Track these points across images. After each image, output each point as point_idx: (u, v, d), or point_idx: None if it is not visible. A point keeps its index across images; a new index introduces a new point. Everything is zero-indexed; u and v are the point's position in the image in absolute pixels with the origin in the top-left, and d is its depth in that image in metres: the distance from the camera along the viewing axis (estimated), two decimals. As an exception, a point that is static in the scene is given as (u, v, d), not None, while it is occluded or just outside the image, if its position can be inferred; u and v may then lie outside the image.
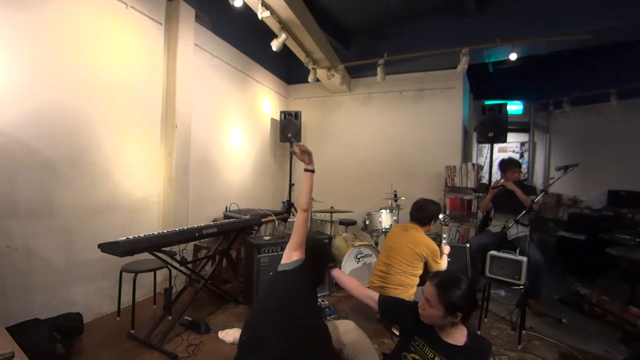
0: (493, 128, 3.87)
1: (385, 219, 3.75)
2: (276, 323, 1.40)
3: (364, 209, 4.13)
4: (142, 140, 2.90)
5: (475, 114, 5.59)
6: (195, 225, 2.45)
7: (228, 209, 3.58)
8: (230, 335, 2.09)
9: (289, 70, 5.42)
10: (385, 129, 4.96)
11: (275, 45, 3.35)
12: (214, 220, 3.35)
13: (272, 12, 3.09)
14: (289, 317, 1.41)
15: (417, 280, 2.54)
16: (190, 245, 3.16)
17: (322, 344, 1.46)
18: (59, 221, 2.27)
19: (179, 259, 2.29)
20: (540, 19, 3.75)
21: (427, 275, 2.52)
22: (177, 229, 2.29)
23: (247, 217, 3.15)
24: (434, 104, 4.68)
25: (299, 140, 4.72)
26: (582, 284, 3.32)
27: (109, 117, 2.59)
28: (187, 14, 3.16)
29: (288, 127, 4.62)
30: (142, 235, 2.01)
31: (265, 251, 2.76)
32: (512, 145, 6.07)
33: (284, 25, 3.32)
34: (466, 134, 5.10)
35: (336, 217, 4.01)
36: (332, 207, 3.90)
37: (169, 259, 2.26)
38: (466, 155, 5.12)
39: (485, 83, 5.77)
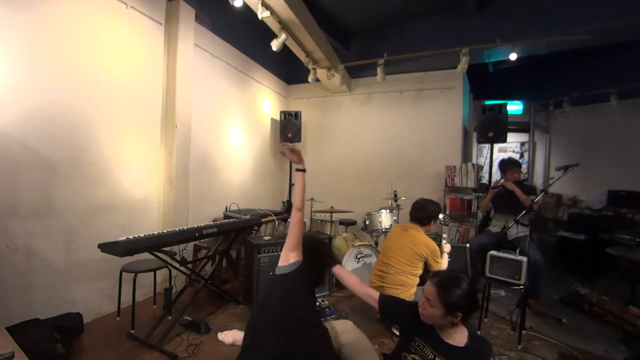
0: (493, 128, 3.87)
1: (385, 219, 3.75)
2: (276, 324, 1.41)
3: (364, 209, 4.13)
4: (142, 140, 2.90)
5: (475, 114, 5.59)
6: (195, 225, 2.45)
7: (228, 209, 3.59)
8: (230, 336, 2.09)
9: (289, 70, 5.42)
10: (385, 129, 4.96)
11: (275, 45, 3.35)
12: (214, 220, 3.35)
13: (272, 12, 3.09)
14: (289, 318, 1.42)
15: (417, 280, 2.54)
16: (190, 245, 3.16)
17: (322, 345, 1.46)
18: (59, 221, 2.27)
19: (179, 259, 2.29)
20: (540, 19, 3.75)
21: (427, 275, 2.53)
22: (177, 229, 2.29)
23: (247, 217, 3.15)
24: (434, 104, 4.68)
25: (299, 141, 4.72)
26: (582, 284, 3.32)
27: (109, 117, 2.59)
28: (187, 14, 3.16)
29: (288, 127, 4.62)
30: (142, 235, 2.01)
31: (265, 251, 2.76)
32: (512, 145, 6.07)
33: (284, 25, 3.32)
34: (466, 134, 5.10)
35: (336, 217, 4.01)
36: (332, 207, 3.90)
37: (169, 259, 2.26)
38: (466, 155, 5.12)
39: (485, 83, 5.77)
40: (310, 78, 4.24)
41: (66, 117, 2.29)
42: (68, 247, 2.33)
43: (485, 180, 4.20)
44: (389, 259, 2.56)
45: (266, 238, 2.94)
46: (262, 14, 2.98)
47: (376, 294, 1.70)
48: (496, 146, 4.25)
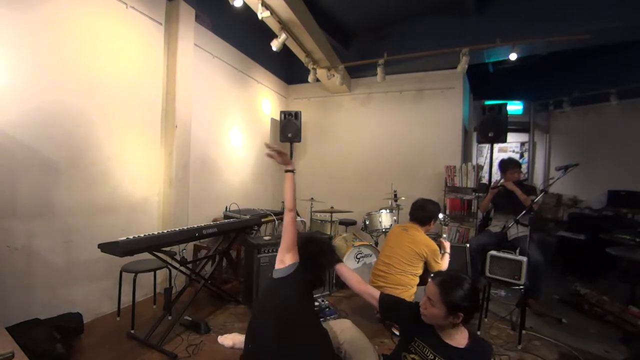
0: (493, 128, 3.87)
1: (385, 219, 3.75)
2: (274, 330, 1.41)
3: (364, 209, 4.13)
4: (142, 141, 2.90)
5: (475, 114, 5.59)
6: (195, 225, 2.45)
7: (228, 209, 3.59)
8: (230, 339, 2.10)
9: (289, 70, 5.42)
10: (385, 129, 4.96)
11: (275, 45, 3.35)
12: (214, 220, 3.35)
13: (272, 12, 3.09)
14: (286, 324, 1.41)
15: (417, 280, 2.54)
16: (190, 245, 3.16)
17: (321, 348, 1.46)
18: (59, 221, 2.27)
19: (179, 259, 2.29)
20: (540, 19, 3.75)
21: (427, 275, 2.53)
22: (177, 229, 2.29)
23: (247, 217, 3.15)
24: (434, 104, 4.68)
25: (299, 141, 4.73)
26: (582, 284, 3.32)
27: (109, 117, 2.59)
28: (187, 14, 3.16)
29: (288, 127, 4.62)
30: (142, 235, 2.01)
31: (265, 251, 2.76)
32: (512, 145, 6.07)
33: (284, 25, 3.32)
34: (466, 134, 5.10)
35: (336, 217, 4.01)
36: (332, 207, 3.89)
37: (169, 259, 2.26)
38: (466, 155, 5.12)
39: (485, 83, 5.77)
40: (310, 78, 4.24)
41: (66, 117, 2.29)
42: (68, 247, 2.33)
43: (485, 180, 4.20)
44: (389, 259, 2.56)
45: (266, 238, 2.94)
46: (262, 14, 2.98)
47: (377, 293, 1.69)
48: (496, 146, 4.25)
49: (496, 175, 3.89)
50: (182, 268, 2.42)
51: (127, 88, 2.72)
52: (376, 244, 3.74)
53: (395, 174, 4.65)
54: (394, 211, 3.90)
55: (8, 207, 2.00)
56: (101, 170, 2.55)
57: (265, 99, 4.96)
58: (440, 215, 2.69)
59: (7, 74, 1.97)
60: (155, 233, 2.13)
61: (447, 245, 2.67)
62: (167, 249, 2.14)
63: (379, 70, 4.06)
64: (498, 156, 4.26)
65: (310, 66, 4.15)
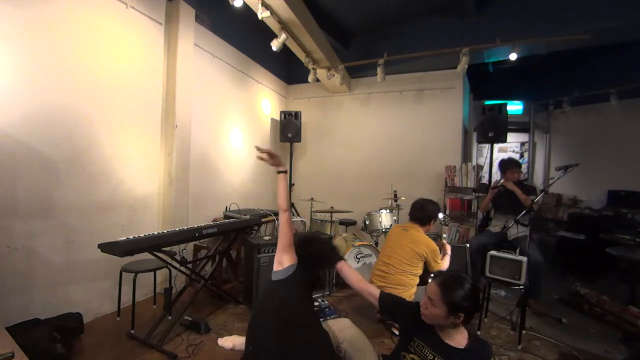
0: (493, 128, 3.87)
1: (385, 219, 3.75)
2: (273, 332, 1.41)
3: (364, 209, 4.12)
4: (142, 140, 2.90)
5: (475, 114, 5.59)
6: (195, 225, 2.45)
7: (228, 209, 3.59)
8: (230, 341, 2.11)
9: (289, 70, 5.42)
10: (385, 129, 4.96)
11: (275, 45, 3.35)
12: (214, 220, 3.35)
13: (272, 12, 3.09)
14: (286, 327, 1.41)
15: (417, 280, 2.54)
16: (190, 245, 3.16)
17: (322, 348, 1.46)
18: (59, 221, 2.27)
19: (179, 259, 2.29)
20: (540, 19, 3.75)
21: (427, 275, 2.53)
22: (177, 229, 2.29)
23: (247, 217, 3.15)
24: (434, 104, 4.68)
25: (299, 141, 4.73)
26: (582, 284, 3.32)
27: (109, 117, 2.59)
28: (187, 14, 3.16)
29: (288, 127, 4.62)
30: (142, 235, 2.01)
31: (265, 251, 2.76)
32: (512, 145, 6.07)
33: (284, 25, 3.32)
34: (466, 134, 5.10)
35: (336, 217, 4.01)
36: (332, 207, 3.90)
37: (169, 259, 2.26)
38: (466, 155, 5.12)
39: (485, 83, 5.77)
40: (310, 78, 4.24)
41: (66, 117, 2.29)
42: (68, 247, 2.33)
43: (485, 180, 4.20)
44: (389, 259, 2.56)
45: (266, 238, 2.94)
46: (262, 14, 2.98)
47: (377, 292, 1.69)
48: (496, 146, 4.25)
49: (496, 175, 3.89)
50: (182, 268, 2.42)
51: (127, 88, 2.72)
52: (376, 244, 3.74)
53: (395, 174, 4.65)
54: (394, 211, 3.90)
55: (8, 206, 2.00)
56: (101, 170, 2.55)
57: (265, 99, 4.96)
58: (440, 215, 2.69)
59: (7, 74, 1.97)
60: (155, 233, 2.13)
61: (449, 248, 2.67)
62: (167, 249, 2.14)
63: (379, 70, 4.06)
64: (498, 156, 4.26)
65: (310, 66, 4.15)
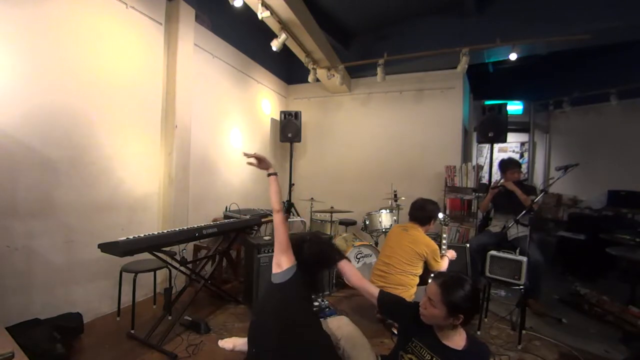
0: (493, 128, 3.88)
1: (385, 219, 3.75)
2: (274, 329, 1.42)
3: (364, 209, 4.13)
4: (142, 140, 2.90)
5: (475, 114, 5.59)
6: (195, 225, 2.45)
7: (228, 209, 3.59)
8: (230, 342, 2.11)
9: (289, 70, 5.42)
10: (385, 129, 4.96)
11: (275, 45, 3.35)
12: (214, 220, 3.35)
13: (272, 12, 3.09)
14: (286, 330, 1.41)
15: (417, 280, 2.54)
16: (190, 245, 3.16)
17: (322, 348, 1.46)
18: (59, 221, 2.27)
19: (179, 259, 2.29)
20: (540, 19, 3.75)
21: (427, 275, 2.53)
22: (177, 229, 2.29)
23: (247, 217, 3.15)
24: (434, 104, 4.68)
25: (299, 141, 4.74)
26: (582, 284, 3.32)
27: (109, 117, 2.59)
28: (187, 14, 3.16)
29: (288, 127, 4.62)
30: (142, 235, 2.01)
31: (265, 251, 2.76)
32: (512, 145, 6.07)
33: (284, 25, 3.32)
34: (466, 134, 5.10)
35: (336, 217, 4.01)
36: (332, 207, 3.90)
37: (169, 259, 2.26)
38: (466, 155, 5.12)
39: (485, 83, 5.77)
40: (310, 78, 4.24)
41: (66, 117, 2.29)
42: (68, 247, 2.33)
43: (485, 180, 4.20)
44: (389, 259, 2.56)
45: (266, 238, 2.94)
46: (262, 14, 2.98)
47: (376, 291, 1.69)
48: (496, 146, 4.25)
49: (496, 175, 3.89)
50: (182, 268, 2.42)
51: (127, 88, 2.72)
52: (376, 244, 3.74)
53: (395, 174, 4.65)
54: (394, 211, 3.90)
55: (8, 206, 2.00)
56: (101, 170, 2.55)
57: (265, 99, 4.96)
58: (440, 215, 2.69)
59: (7, 74, 1.97)
60: (155, 233, 2.13)
61: (451, 253, 2.66)
62: (167, 249, 2.14)
63: (379, 70, 4.06)
64: (498, 156, 4.26)
65: (310, 66, 4.15)
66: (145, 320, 2.47)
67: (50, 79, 2.19)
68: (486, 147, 5.21)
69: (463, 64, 3.64)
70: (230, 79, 4.09)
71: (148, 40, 2.90)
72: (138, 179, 2.86)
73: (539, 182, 5.86)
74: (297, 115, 4.66)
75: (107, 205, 2.60)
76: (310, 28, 3.55)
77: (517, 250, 2.48)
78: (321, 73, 4.37)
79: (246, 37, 4.23)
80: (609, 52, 4.81)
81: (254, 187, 4.64)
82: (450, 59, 3.92)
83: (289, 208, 4.58)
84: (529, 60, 4.66)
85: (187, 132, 3.21)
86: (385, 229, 3.68)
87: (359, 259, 3.35)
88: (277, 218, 1.61)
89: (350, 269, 1.85)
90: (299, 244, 1.61)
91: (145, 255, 2.12)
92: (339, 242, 3.59)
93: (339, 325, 1.69)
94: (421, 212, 2.62)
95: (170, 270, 2.57)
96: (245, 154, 1.75)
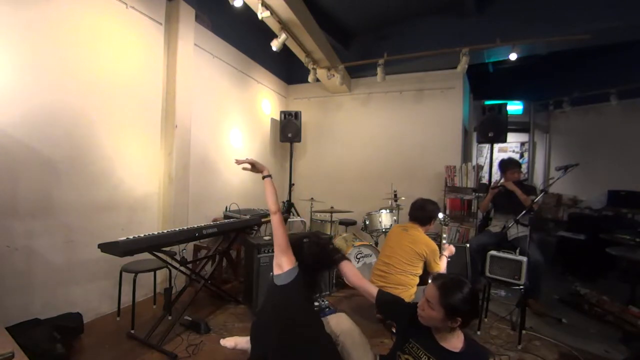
0: (493, 128, 3.88)
1: (385, 219, 3.75)
2: (274, 329, 1.42)
3: (364, 209, 4.13)
4: (142, 140, 2.90)
5: (475, 114, 5.59)
6: (195, 225, 2.45)
7: (228, 209, 3.59)
8: (232, 340, 2.11)
9: (289, 70, 5.42)
10: (385, 129, 4.96)
11: (275, 45, 3.35)
12: (214, 220, 3.35)
13: (272, 12, 3.09)
14: (287, 322, 1.42)
15: (417, 280, 2.53)
16: (190, 245, 3.16)
17: (322, 348, 1.46)
18: (59, 221, 2.27)
19: (179, 259, 2.29)
20: (540, 19, 3.75)
21: (427, 275, 2.53)
22: (177, 229, 2.29)
23: (247, 217, 3.15)
24: (434, 104, 4.68)
25: (299, 141, 4.74)
26: (582, 284, 3.32)
27: (109, 117, 2.59)
28: (187, 14, 3.16)
29: (288, 127, 4.63)
30: (142, 235, 2.01)
31: (265, 251, 2.76)
32: (512, 145, 6.07)
33: (284, 25, 3.32)
34: (466, 134, 5.10)
35: (336, 217, 4.01)
36: (332, 207, 3.90)
37: (169, 259, 2.26)
38: (466, 155, 5.12)
39: (485, 83, 5.77)
40: (310, 78, 4.24)
41: (66, 117, 2.29)
42: (68, 246, 2.33)
43: (485, 180, 4.20)
44: (389, 259, 2.56)
45: (266, 238, 2.94)
46: (262, 14, 2.98)
47: (375, 291, 1.69)
48: (496, 146, 4.25)
49: (496, 175, 3.89)
50: (182, 268, 2.42)
51: (127, 88, 2.72)
52: (376, 244, 3.74)
53: (395, 174, 4.65)
54: (394, 211, 3.90)
55: (8, 206, 2.00)
56: (101, 169, 2.55)
57: (265, 99, 4.96)
58: (440, 215, 2.69)
59: (7, 74, 1.97)
60: (155, 233, 2.13)
61: (447, 250, 2.65)
62: (167, 249, 2.14)
63: (379, 70, 4.06)
64: (498, 156, 4.26)
65: (310, 66, 4.15)
66: (145, 320, 2.47)
67: (50, 79, 2.19)
68: (486, 147, 5.21)
69: (463, 64, 3.64)
70: (230, 79, 4.09)
71: (148, 40, 2.90)
72: (138, 179, 2.86)
73: (539, 182, 5.86)
74: (297, 115, 4.66)
75: (107, 205, 2.60)
76: (310, 28, 3.55)
77: (517, 250, 2.48)
78: (321, 73, 4.37)
79: (246, 37, 4.23)
80: (609, 52, 4.81)
81: (254, 187, 4.63)
82: (450, 59, 3.92)
83: (288, 208, 4.58)
84: (529, 60, 4.66)
85: (187, 132, 3.21)
86: (385, 229, 3.68)
87: (359, 259, 3.35)
88: (275, 219, 1.62)
89: (350, 269, 1.84)
90: (299, 245, 1.62)
91: (145, 255, 2.12)
92: (339, 242, 3.59)
93: (338, 322, 1.70)
94: (421, 212, 2.61)
95: (170, 270, 2.57)
96: (237, 161, 1.79)
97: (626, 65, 4.78)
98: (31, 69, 2.08)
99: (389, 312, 1.74)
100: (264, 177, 1.76)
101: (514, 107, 5.86)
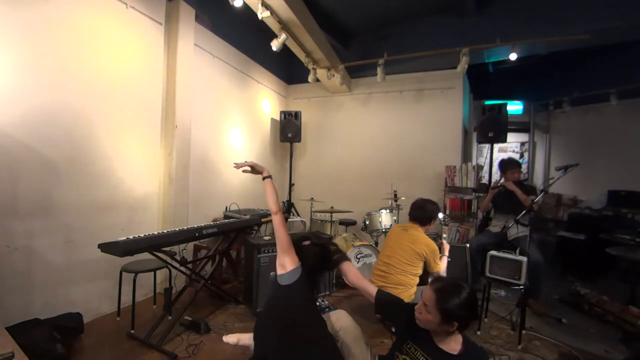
0: (493, 128, 3.88)
1: (385, 219, 3.75)
2: (275, 329, 1.42)
3: (364, 209, 4.13)
4: (142, 140, 2.90)
5: (475, 114, 5.59)
6: (195, 225, 2.45)
7: (228, 209, 3.59)
8: (234, 337, 2.11)
9: (289, 70, 5.42)
10: (385, 129, 4.96)
11: (275, 45, 3.35)
12: (214, 220, 3.35)
13: (272, 12, 3.09)
14: (288, 322, 1.42)
15: (417, 280, 2.53)
16: (190, 245, 3.16)
17: (322, 348, 1.46)
18: (59, 221, 2.27)
19: (179, 259, 2.28)
20: (540, 19, 3.75)
21: (427, 275, 2.53)
22: (177, 229, 2.29)
23: (247, 217, 3.15)
24: (434, 104, 4.68)
25: (299, 141, 4.74)
26: (582, 284, 3.32)
27: (109, 117, 2.59)
28: (187, 14, 3.16)
29: (288, 127, 4.63)
30: (142, 235, 2.01)
31: (265, 251, 2.76)
32: (512, 145, 6.08)
33: (284, 25, 3.32)
34: (466, 134, 5.10)
35: (336, 217, 4.01)
36: (332, 207, 3.90)
37: (169, 259, 2.26)
38: (466, 155, 5.12)
39: (485, 83, 5.77)
40: (310, 78, 4.24)
41: (66, 117, 2.29)
42: (68, 246, 2.33)
43: (485, 180, 4.20)
44: (389, 259, 2.56)
45: (266, 238, 2.94)
46: (262, 14, 2.98)
47: (374, 290, 1.69)
48: (496, 146, 4.25)
49: (496, 175, 3.89)
50: (182, 268, 2.42)
51: (127, 88, 2.72)
52: (376, 244, 3.74)
53: (395, 174, 4.65)
54: (394, 211, 3.90)
55: (8, 206, 2.00)
56: (101, 169, 2.55)
57: (265, 99, 4.96)
58: (440, 215, 2.69)
59: (7, 74, 1.97)
60: (155, 233, 2.13)
61: (447, 248, 2.66)
62: (167, 249, 2.14)
63: (379, 70, 4.06)
64: (498, 156, 4.27)
65: (310, 66, 4.15)
66: (145, 320, 2.47)
67: (50, 79, 2.19)
68: (486, 147, 5.21)
69: (463, 64, 3.64)
70: (230, 79, 4.09)
71: (148, 40, 2.90)
72: (138, 179, 2.86)
73: (539, 182, 5.86)
74: (297, 115, 4.66)
75: (107, 205, 2.60)
76: (310, 28, 3.55)
77: (517, 250, 2.48)
78: (321, 73, 4.37)
79: (246, 37, 4.23)
80: (609, 52, 4.81)
81: (254, 187, 4.63)
82: (450, 59, 3.92)
83: (289, 208, 4.58)
84: (529, 60, 4.66)
85: (187, 132, 3.21)
86: (385, 229, 3.68)
87: (359, 259, 3.35)
88: (276, 219, 1.62)
89: (350, 269, 1.85)
90: (300, 245, 1.62)
91: (145, 255, 2.12)
92: (339, 242, 3.59)
93: (338, 318, 1.71)
94: (421, 212, 2.61)
95: (170, 270, 2.57)
96: (236, 165, 1.80)
97: (626, 65, 4.78)
98: (31, 69, 2.08)
99: (387, 313, 1.74)
100: (264, 178, 1.76)
101: (514, 107, 5.86)
